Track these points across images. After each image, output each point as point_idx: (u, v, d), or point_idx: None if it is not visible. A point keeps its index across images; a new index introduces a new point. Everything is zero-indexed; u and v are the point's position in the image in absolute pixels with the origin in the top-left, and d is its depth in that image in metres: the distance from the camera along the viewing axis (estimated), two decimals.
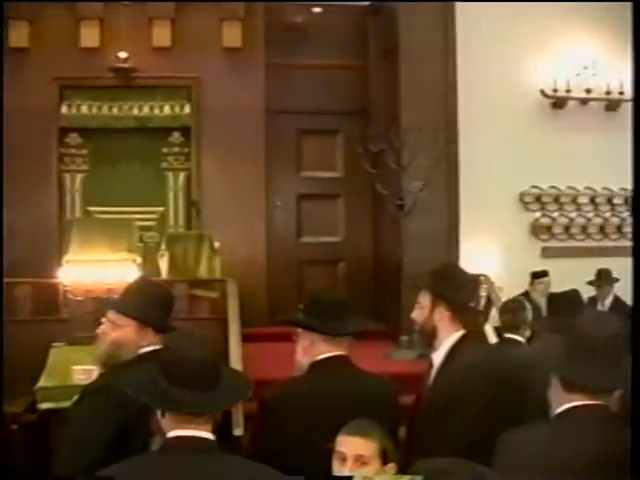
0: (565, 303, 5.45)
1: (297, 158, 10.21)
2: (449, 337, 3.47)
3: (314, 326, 3.39)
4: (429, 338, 3.52)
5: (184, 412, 2.34)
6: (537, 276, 8.74)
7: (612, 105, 9.91)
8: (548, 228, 9.81)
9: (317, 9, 10.26)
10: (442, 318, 3.48)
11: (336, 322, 3.39)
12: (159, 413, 2.40)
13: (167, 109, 9.91)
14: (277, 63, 9.84)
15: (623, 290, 8.40)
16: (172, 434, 2.37)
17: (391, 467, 2.85)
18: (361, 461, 2.83)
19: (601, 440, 2.53)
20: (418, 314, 3.56)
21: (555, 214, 9.86)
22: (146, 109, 9.86)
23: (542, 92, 9.69)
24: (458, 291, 3.51)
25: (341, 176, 10.25)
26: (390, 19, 9.46)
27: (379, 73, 9.96)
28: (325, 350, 3.39)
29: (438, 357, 3.49)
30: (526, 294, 8.39)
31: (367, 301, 9.21)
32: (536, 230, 9.77)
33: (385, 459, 2.86)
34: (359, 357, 3.50)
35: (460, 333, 3.47)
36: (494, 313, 7.06)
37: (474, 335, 3.57)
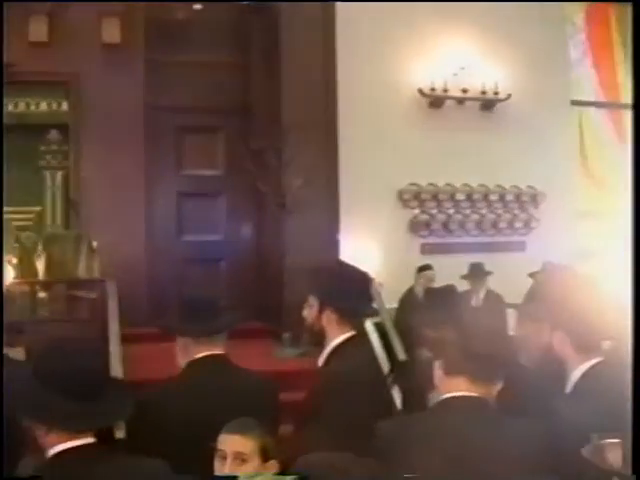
0: (440, 297, 5.57)
1: (177, 156, 10.09)
2: (336, 339, 3.50)
3: (178, 329, 3.39)
4: (318, 338, 3.55)
5: (72, 429, 2.25)
6: (420, 269, 8.89)
7: (487, 105, 10.17)
8: (427, 224, 9.98)
9: (197, 6, 10.17)
10: (330, 321, 3.51)
11: (206, 321, 3.37)
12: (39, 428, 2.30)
13: (44, 106, 9.67)
14: (157, 59, 9.69)
15: (499, 283, 8.66)
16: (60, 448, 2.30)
17: (271, 464, 2.86)
18: (240, 458, 2.84)
19: (476, 432, 2.59)
20: (307, 314, 3.58)
21: (433, 211, 10.04)
22: (22, 105, 9.60)
23: (420, 91, 9.85)
24: (347, 293, 3.53)
25: (222, 174, 10.19)
26: (271, 17, 9.46)
27: (261, 71, 9.94)
28: (200, 350, 3.37)
29: (322, 357, 3.52)
30: (411, 288, 8.58)
31: (250, 299, 9.19)
32: (415, 227, 9.92)
33: (265, 456, 2.87)
34: (243, 355, 3.50)
35: (346, 335, 3.51)
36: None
37: (360, 336, 3.63)
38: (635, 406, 1.20)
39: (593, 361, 2.99)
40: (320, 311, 3.53)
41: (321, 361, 3.53)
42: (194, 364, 3.36)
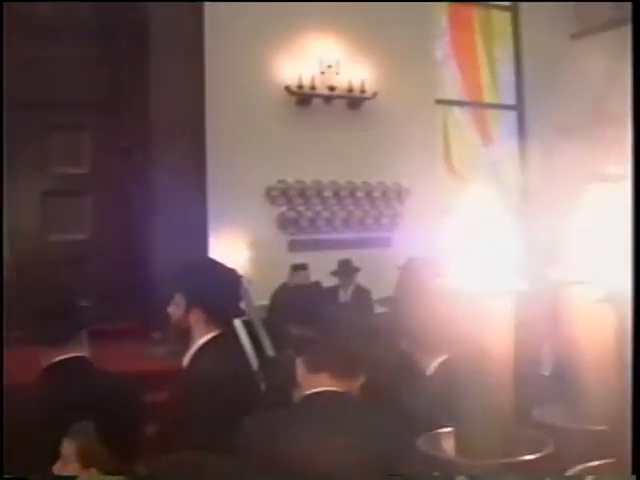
0: (305, 295, 5.64)
1: (42, 153, 9.84)
2: (202, 338, 3.51)
3: (30, 337, 3.36)
4: (185, 337, 3.54)
5: None
6: (295, 269, 8.93)
7: (354, 103, 10.32)
8: (294, 221, 10.06)
9: None
10: (197, 320, 3.51)
11: (59, 324, 3.33)
12: None
13: None
14: (20, 54, 9.42)
15: (367, 279, 8.82)
16: None
17: (90, 472, 2.84)
18: (64, 460, 2.84)
19: (338, 427, 2.65)
20: (173, 312, 3.57)
21: (301, 208, 10.12)
22: None
23: (287, 89, 9.92)
24: (214, 292, 3.53)
25: (89, 172, 9.99)
26: (140, 13, 9.34)
27: (129, 67, 9.80)
28: (59, 354, 3.33)
29: (187, 357, 3.52)
30: (282, 286, 8.62)
31: (119, 299, 9.05)
32: (283, 224, 9.98)
33: (85, 462, 2.85)
34: (110, 357, 3.47)
35: (213, 334, 3.52)
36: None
37: (227, 335, 3.64)
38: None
39: (441, 358, 3.07)
40: (187, 310, 3.52)
41: (187, 360, 3.52)
42: (50, 369, 3.31)
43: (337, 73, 10.13)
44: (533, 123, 11.49)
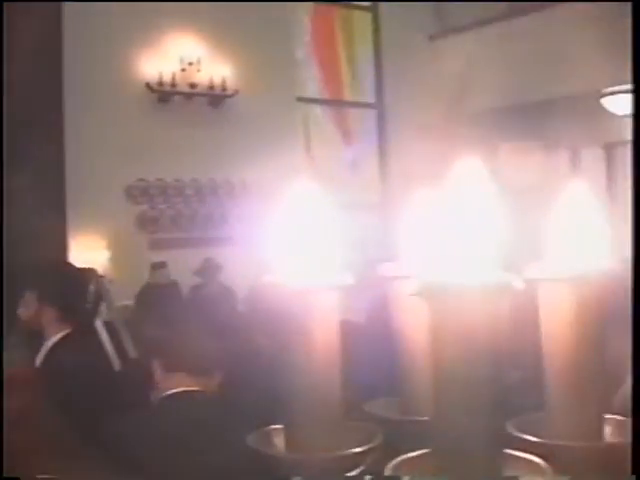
0: (162, 294, 5.60)
1: None
2: (53, 337, 3.44)
3: None
4: (37, 338, 3.47)
5: None
6: (154, 267, 8.82)
7: (216, 101, 10.28)
8: (155, 220, 9.94)
9: None
10: (49, 320, 3.44)
11: None
12: None
13: None
14: None
15: (230, 277, 8.80)
16: None
17: None
18: None
19: (193, 427, 2.64)
20: (24, 313, 3.49)
21: (162, 206, 10.01)
22: None
23: (148, 86, 9.80)
24: (67, 291, 3.48)
25: None
26: None
27: None
28: None
29: (40, 356, 3.45)
30: (146, 285, 8.51)
31: None
32: (144, 222, 9.85)
33: None
34: None
35: (63, 333, 3.45)
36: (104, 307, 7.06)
37: (81, 334, 3.57)
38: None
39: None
40: (38, 309, 3.45)
41: (39, 360, 3.45)
42: None
43: (198, 70, 10.07)
44: (392, 121, 11.71)
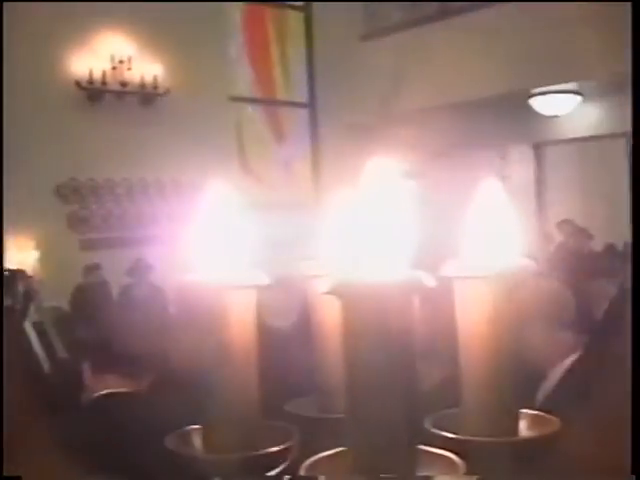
0: (91, 295, 5.55)
1: None
2: None
3: None
4: None
5: None
6: (87, 269, 8.71)
7: (147, 99, 10.20)
8: (86, 220, 9.83)
9: None
10: None
11: None
12: None
13: None
14: None
15: (162, 277, 8.72)
16: None
17: None
18: None
19: (122, 427, 2.62)
20: None
21: (93, 206, 9.91)
22: None
23: (77, 84, 9.67)
24: None
25: None
26: None
27: None
28: None
29: None
30: (79, 286, 8.39)
31: None
32: (74, 222, 9.73)
33: None
34: None
35: None
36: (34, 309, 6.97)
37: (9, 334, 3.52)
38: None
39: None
40: None
41: None
42: None
43: (129, 69, 9.99)
44: (324, 121, 11.75)
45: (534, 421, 1.08)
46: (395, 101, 10.52)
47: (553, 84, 9.31)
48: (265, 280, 0.99)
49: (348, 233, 0.92)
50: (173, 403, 2.91)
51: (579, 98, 9.82)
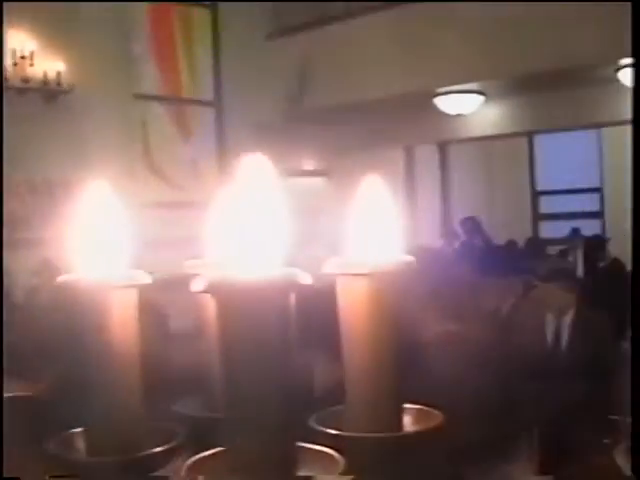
0: None
1: None
2: None
3: None
4: None
5: None
6: None
7: (50, 96, 9.99)
8: None
9: None
10: None
11: None
12: None
13: None
14: None
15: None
16: None
17: None
18: None
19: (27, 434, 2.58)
20: None
21: None
22: None
23: None
24: None
25: None
26: None
27: None
28: None
29: None
30: None
31: None
32: None
33: None
34: None
35: None
36: None
37: None
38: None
39: None
40: None
41: None
42: None
43: (31, 65, 9.75)
44: (231, 120, 11.69)
45: (418, 415, 1.09)
46: (301, 100, 10.55)
47: (457, 84, 9.45)
48: (146, 279, 0.98)
49: (227, 232, 0.92)
50: (63, 406, 2.88)
51: (482, 98, 9.98)
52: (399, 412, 1.06)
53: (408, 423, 1.07)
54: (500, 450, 1.62)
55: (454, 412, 1.14)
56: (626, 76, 8.56)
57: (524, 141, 14.32)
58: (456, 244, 10.97)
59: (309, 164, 11.70)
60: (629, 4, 2.05)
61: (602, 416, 4.37)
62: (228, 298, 0.86)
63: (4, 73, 7.97)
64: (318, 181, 11.76)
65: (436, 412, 1.08)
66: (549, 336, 5.47)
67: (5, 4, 9.33)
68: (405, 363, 1.04)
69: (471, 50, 8.50)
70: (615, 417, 4.35)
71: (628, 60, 8.23)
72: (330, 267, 1.01)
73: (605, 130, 12.87)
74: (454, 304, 3.15)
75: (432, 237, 11.42)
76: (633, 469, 1.05)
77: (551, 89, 9.58)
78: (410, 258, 1.03)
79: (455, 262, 6.72)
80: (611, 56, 8.14)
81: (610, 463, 1.21)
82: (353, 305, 1.02)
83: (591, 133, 13.42)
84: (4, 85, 9.61)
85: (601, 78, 8.88)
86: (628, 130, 12.03)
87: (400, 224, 1.04)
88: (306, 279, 0.88)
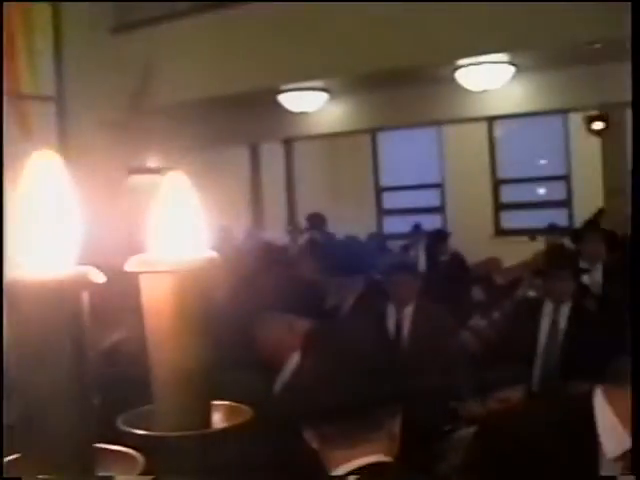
0: None
1: None
2: None
3: None
4: None
5: None
6: None
7: None
8: None
9: None
10: None
11: None
12: None
13: None
14: None
15: None
16: None
17: None
18: None
19: None
20: None
21: None
22: None
23: None
24: None
25: None
26: None
27: None
28: None
29: None
30: None
31: None
32: None
33: None
34: None
35: None
36: None
37: None
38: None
39: None
40: None
41: None
42: None
43: None
44: (73, 116, 11.40)
45: (228, 412, 1.09)
46: (146, 96, 10.38)
47: (300, 81, 9.50)
48: None
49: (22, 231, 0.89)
50: None
51: (326, 95, 10.07)
52: (207, 409, 1.06)
53: (218, 420, 1.07)
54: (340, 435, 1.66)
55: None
56: (463, 76, 8.84)
57: (368, 138, 14.58)
58: (301, 240, 11.05)
59: (153, 161, 11.54)
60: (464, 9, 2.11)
61: (443, 404, 4.50)
62: (19, 298, 0.84)
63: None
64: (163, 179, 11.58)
65: (245, 408, 1.08)
66: (391, 328, 5.60)
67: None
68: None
69: (314, 48, 8.57)
70: (455, 405, 4.49)
71: (465, 61, 8.50)
72: (132, 265, 1.00)
73: (446, 128, 13.25)
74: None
75: (278, 234, 11.48)
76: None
77: (393, 87, 9.77)
78: (214, 254, 1.02)
79: (298, 259, 6.77)
80: (449, 56, 8.38)
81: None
82: (156, 303, 1.01)
83: (432, 130, 13.79)
84: None
85: (440, 77, 9.12)
86: (468, 127, 12.44)
87: (205, 220, 1.04)
88: (99, 277, 0.86)
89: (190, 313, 1.01)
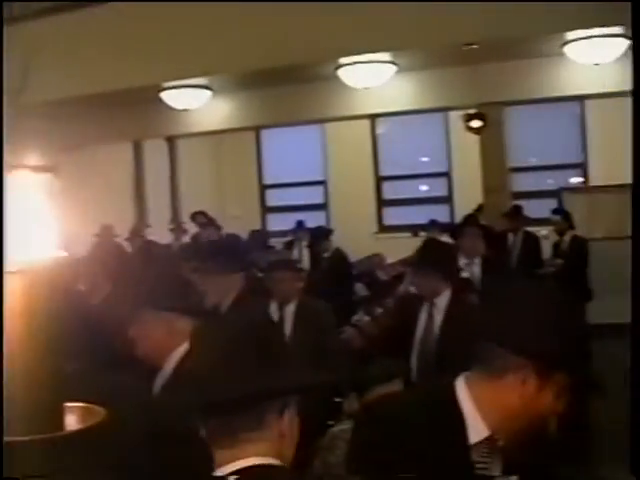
0: None
1: None
2: None
3: None
4: None
5: None
6: None
7: None
8: None
9: None
10: None
11: None
12: None
13: None
14: None
15: None
16: None
17: None
18: None
19: None
20: None
21: None
22: None
23: None
24: None
25: None
26: None
27: None
28: None
29: None
30: None
31: None
32: None
33: None
34: None
35: None
36: None
37: None
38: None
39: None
40: None
41: None
42: None
43: None
44: None
45: (82, 413, 1.08)
46: (23, 93, 10.11)
47: (181, 78, 9.41)
48: None
49: None
50: None
51: (209, 92, 10.01)
52: (60, 412, 1.04)
53: (71, 422, 1.06)
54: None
55: None
56: (346, 74, 8.91)
57: (252, 135, 14.56)
58: (185, 239, 10.97)
59: (32, 159, 11.25)
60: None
61: (327, 400, 4.54)
62: None
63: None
64: (44, 178, 11.32)
65: (99, 408, 1.07)
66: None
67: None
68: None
69: (195, 46, 8.51)
70: (339, 400, 4.54)
71: (348, 59, 8.58)
72: None
73: (329, 125, 13.35)
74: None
75: (161, 232, 11.36)
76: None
77: (277, 85, 9.79)
78: (62, 253, 1.01)
79: (179, 257, 6.71)
80: (331, 55, 8.44)
81: None
82: (10, 304, 0.99)
83: (316, 128, 13.86)
84: None
85: (323, 75, 9.18)
86: (350, 125, 12.51)
87: (54, 219, 1.02)
88: None
89: (39, 312, 1.00)
